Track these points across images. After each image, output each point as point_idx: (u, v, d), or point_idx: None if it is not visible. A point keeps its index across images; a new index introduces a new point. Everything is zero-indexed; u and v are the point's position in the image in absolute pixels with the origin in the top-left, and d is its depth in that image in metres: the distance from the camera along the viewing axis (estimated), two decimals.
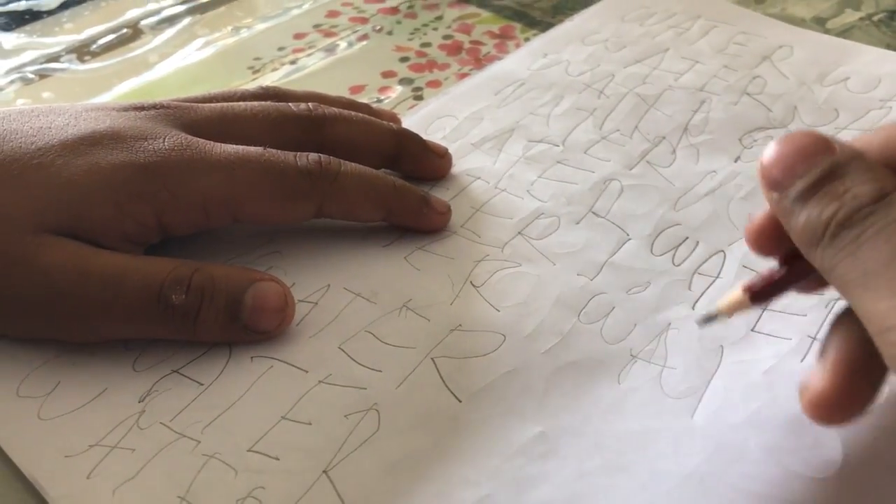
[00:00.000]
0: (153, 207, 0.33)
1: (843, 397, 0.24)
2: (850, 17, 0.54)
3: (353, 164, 0.36)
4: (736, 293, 0.27)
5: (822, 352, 0.25)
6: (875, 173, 0.23)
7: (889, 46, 0.50)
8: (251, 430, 0.30)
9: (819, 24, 0.53)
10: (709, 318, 0.28)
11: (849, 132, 0.42)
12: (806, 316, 0.33)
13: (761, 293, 0.26)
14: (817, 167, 0.24)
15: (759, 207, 0.37)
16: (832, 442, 0.28)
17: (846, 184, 0.23)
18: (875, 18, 0.53)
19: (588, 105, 0.45)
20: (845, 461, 0.28)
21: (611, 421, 0.30)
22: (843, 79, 0.46)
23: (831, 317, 0.26)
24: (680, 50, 0.49)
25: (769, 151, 0.25)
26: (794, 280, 0.26)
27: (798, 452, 0.28)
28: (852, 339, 0.25)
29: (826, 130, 0.42)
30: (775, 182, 0.24)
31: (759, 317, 0.33)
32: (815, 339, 0.32)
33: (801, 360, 0.31)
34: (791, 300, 0.33)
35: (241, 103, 0.38)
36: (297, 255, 0.36)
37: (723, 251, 0.36)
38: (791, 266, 0.26)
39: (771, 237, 0.26)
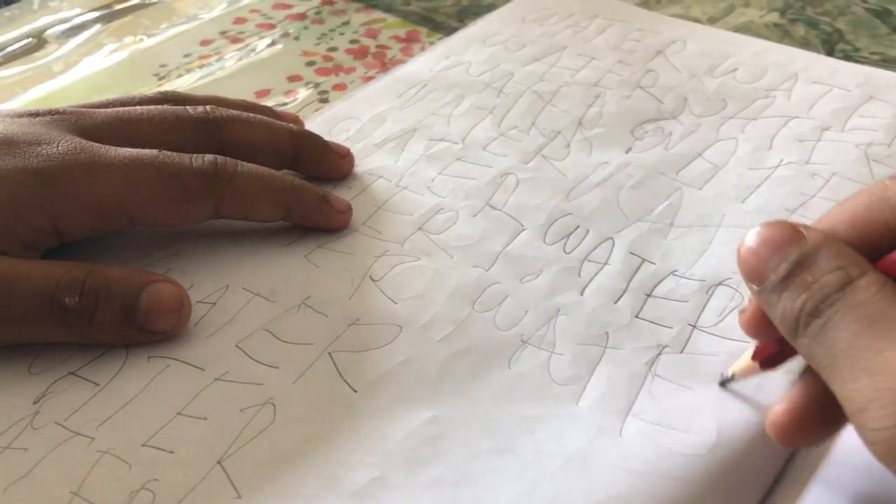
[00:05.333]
0: (47, 212, 0.33)
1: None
2: (742, 16, 0.56)
3: (249, 164, 0.37)
4: (747, 361, 0.29)
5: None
6: (841, 260, 0.24)
7: None
8: (146, 426, 0.30)
9: (713, 23, 0.55)
10: (725, 381, 0.31)
11: (736, 121, 0.44)
12: (688, 302, 0.34)
13: (768, 361, 0.29)
14: (787, 260, 0.25)
15: (648, 196, 0.39)
16: (707, 423, 0.29)
17: (814, 273, 0.24)
18: (766, 18, 0.55)
19: (488, 104, 0.46)
20: (718, 439, 0.29)
21: (500, 405, 0.31)
22: (731, 70, 0.48)
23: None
24: (577, 47, 0.51)
25: (745, 244, 0.26)
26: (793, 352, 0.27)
27: (675, 434, 0.29)
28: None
29: (714, 120, 0.44)
30: (753, 274, 0.26)
31: (644, 303, 0.34)
32: (694, 326, 0.33)
33: (681, 352, 0.32)
34: (674, 284, 0.35)
35: (137, 107, 0.38)
36: (196, 257, 0.37)
37: (612, 238, 0.37)
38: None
39: (763, 323, 0.27)
